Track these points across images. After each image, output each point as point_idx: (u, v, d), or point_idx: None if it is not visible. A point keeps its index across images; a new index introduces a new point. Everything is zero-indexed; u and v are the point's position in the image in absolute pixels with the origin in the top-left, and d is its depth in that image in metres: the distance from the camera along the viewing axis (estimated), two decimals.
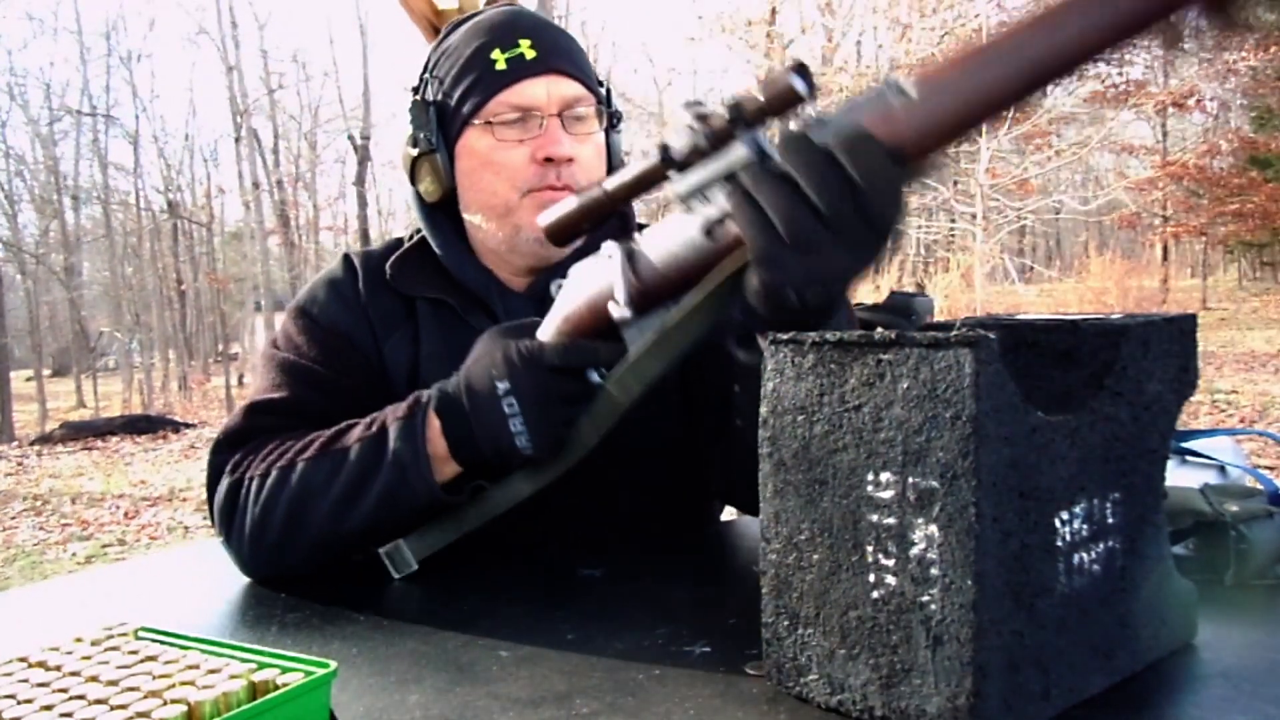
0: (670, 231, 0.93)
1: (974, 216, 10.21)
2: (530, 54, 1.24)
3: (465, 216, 1.31)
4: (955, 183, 11.57)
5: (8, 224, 21.81)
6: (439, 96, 1.27)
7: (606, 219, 1.00)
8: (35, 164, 22.93)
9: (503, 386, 1.00)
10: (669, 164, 0.90)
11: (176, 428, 13.29)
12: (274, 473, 1.11)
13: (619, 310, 0.95)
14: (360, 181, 22.17)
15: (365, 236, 21.98)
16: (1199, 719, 0.73)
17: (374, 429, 1.08)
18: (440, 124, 1.27)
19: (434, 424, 1.04)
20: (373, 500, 1.06)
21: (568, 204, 1.01)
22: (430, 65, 1.30)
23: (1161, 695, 0.75)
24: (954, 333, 0.67)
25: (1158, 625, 0.78)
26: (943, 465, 0.66)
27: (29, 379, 19.86)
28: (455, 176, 1.28)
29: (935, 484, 0.67)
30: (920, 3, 12.08)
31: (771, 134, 0.87)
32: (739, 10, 14.08)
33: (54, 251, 21.39)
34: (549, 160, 1.23)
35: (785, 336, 0.75)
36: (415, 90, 1.30)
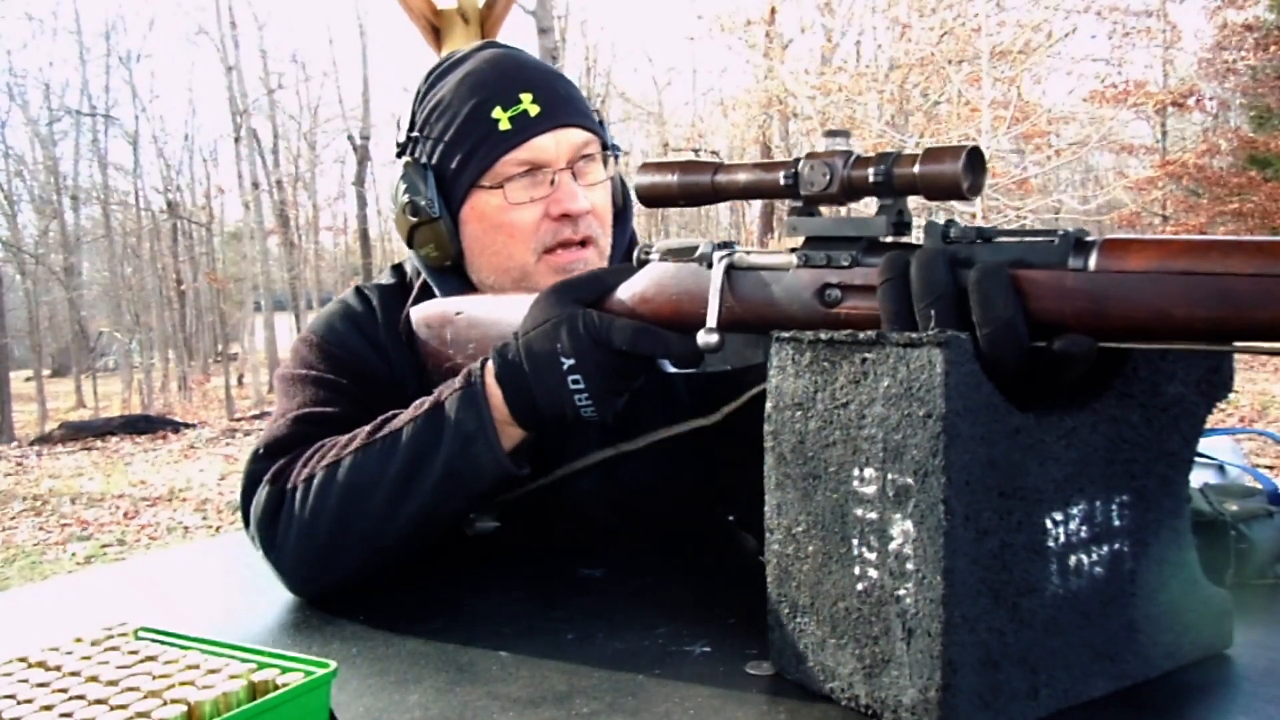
0: (776, 271, 0.89)
1: (973, 216, 10.21)
2: (534, 109, 1.18)
3: (476, 280, 1.24)
4: None
5: (7, 224, 21.82)
6: (434, 158, 1.21)
7: (700, 204, 0.95)
8: (35, 164, 22.91)
9: (568, 363, 0.98)
10: (791, 191, 0.85)
11: (176, 428, 13.28)
12: (320, 472, 1.05)
13: (705, 336, 0.91)
14: (360, 181, 22.16)
15: (365, 236, 21.96)
16: (1199, 718, 0.73)
17: (425, 407, 1.04)
18: (439, 187, 1.20)
19: (494, 391, 1.01)
20: (434, 479, 1.01)
21: (669, 171, 0.95)
22: (419, 122, 1.24)
23: (1163, 695, 0.74)
24: (928, 333, 0.68)
25: (1179, 632, 0.77)
26: (916, 463, 0.67)
27: (28, 379, 19.85)
28: (461, 241, 1.22)
29: (910, 480, 0.68)
30: (920, 3, 12.08)
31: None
32: (738, 10, 14.09)
33: (53, 251, 21.37)
34: (565, 216, 1.18)
35: (787, 335, 0.76)
36: (403, 148, 1.24)
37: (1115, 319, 0.69)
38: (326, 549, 1.04)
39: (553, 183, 1.19)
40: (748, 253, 0.92)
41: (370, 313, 1.26)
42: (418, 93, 1.25)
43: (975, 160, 0.77)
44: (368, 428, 1.06)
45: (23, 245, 21.14)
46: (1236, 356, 0.78)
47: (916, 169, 0.78)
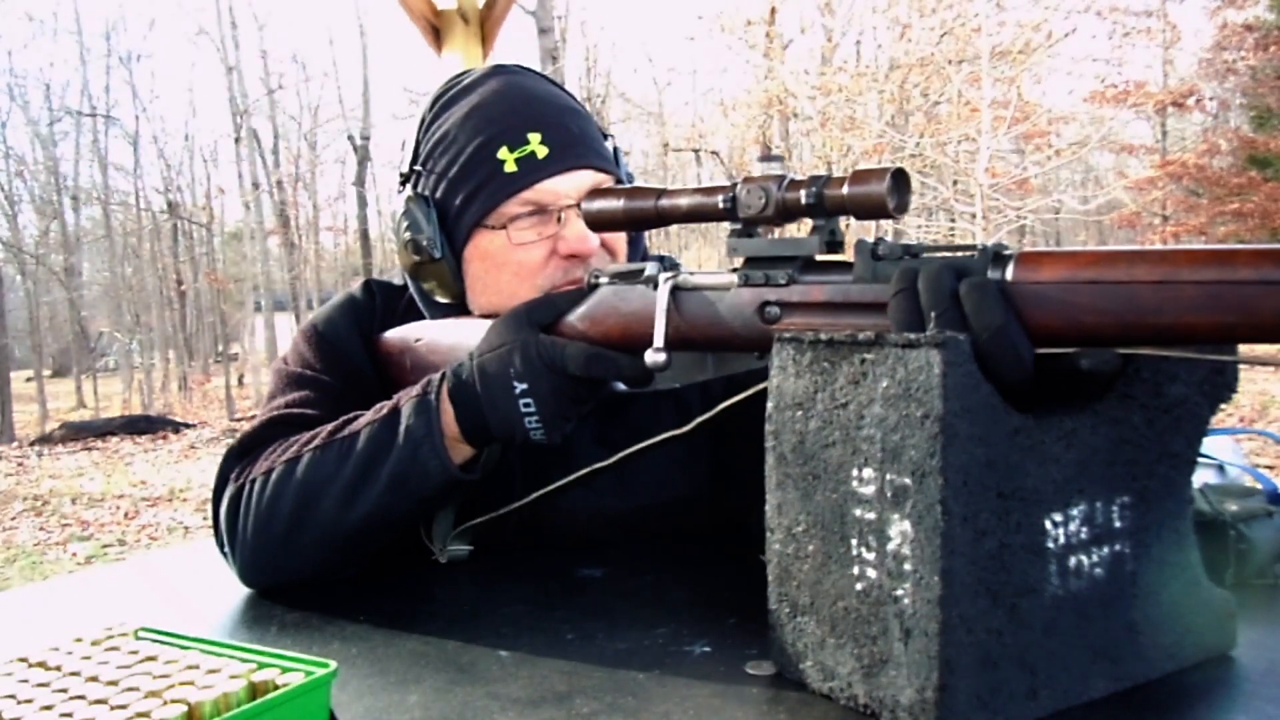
0: (719, 291, 0.92)
1: (974, 216, 10.20)
2: (542, 150, 1.13)
3: (479, 316, 1.21)
4: (955, 182, 11.57)
5: (8, 224, 21.84)
6: (437, 194, 1.17)
7: (645, 228, 0.97)
8: (35, 164, 22.94)
9: (520, 387, 1.00)
10: (730, 214, 0.89)
11: (176, 428, 13.29)
12: (279, 467, 1.08)
13: (653, 355, 0.93)
14: (360, 181, 22.19)
15: (365, 236, 21.97)
16: (1199, 718, 0.73)
17: (384, 412, 1.06)
18: (442, 223, 1.17)
19: (447, 407, 1.03)
20: (383, 482, 1.04)
21: (615, 197, 0.97)
22: (422, 154, 1.19)
23: (1162, 695, 0.74)
24: (927, 333, 0.68)
25: (1180, 633, 0.77)
26: (914, 463, 0.67)
27: (29, 379, 19.85)
28: (464, 280, 1.18)
29: (908, 481, 0.68)
30: (920, 3, 12.07)
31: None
32: (739, 10, 14.08)
33: (54, 252, 21.38)
34: (573, 256, 1.14)
35: (788, 335, 0.77)
36: (405, 179, 1.20)
37: (1030, 326, 0.72)
38: (283, 541, 1.07)
39: (559, 219, 1.14)
40: (691, 274, 0.96)
41: (371, 306, 1.28)
42: (422, 121, 1.21)
43: (900, 181, 0.80)
44: (330, 426, 1.09)
45: (23, 245, 21.16)
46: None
47: (845, 190, 0.82)
